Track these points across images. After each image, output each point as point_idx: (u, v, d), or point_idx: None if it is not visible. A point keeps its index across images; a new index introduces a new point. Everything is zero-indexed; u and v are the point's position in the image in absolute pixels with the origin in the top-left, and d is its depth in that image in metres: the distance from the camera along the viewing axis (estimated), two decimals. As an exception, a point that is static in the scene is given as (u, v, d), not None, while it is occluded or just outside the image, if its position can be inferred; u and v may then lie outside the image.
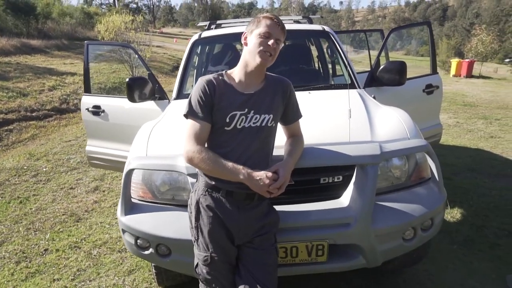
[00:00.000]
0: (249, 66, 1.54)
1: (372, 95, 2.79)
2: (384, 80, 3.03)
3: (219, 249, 1.55)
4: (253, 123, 1.52)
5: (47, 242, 3.14)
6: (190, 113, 1.53)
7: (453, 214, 3.33)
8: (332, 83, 3.52)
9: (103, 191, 4.22)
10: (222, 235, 1.54)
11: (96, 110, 3.40)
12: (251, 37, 1.53)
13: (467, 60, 17.57)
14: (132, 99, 2.91)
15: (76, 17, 27.46)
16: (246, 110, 1.52)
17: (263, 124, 1.54)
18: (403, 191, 1.93)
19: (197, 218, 1.56)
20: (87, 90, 3.55)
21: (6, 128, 7.14)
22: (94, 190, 4.25)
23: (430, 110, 3.61)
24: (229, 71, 1.63)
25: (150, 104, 3.06)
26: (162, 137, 2.11)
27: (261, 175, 1.45)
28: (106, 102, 3.43)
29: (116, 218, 2.21)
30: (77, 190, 4.29)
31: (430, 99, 3.52)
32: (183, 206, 1.86)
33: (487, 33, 20.94)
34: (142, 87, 2.95)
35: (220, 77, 1.57)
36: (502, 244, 2.84)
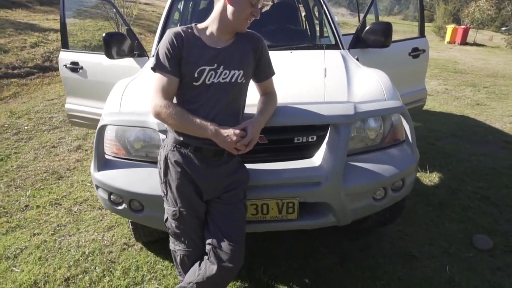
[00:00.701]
0: (228, 26, 1.50)
1: (356, 57, 2.75)
2: (369, 41, 2.97)
3: (187, 204, 1.57)
4: (222, 78, 1.49)
5: (28, 199, 3.15)
6: (157, 67, 1.49)
7: (431, 178, 3.40)
8: (318, 43, 3.45)
9: (86, 150, 4.20)
10: (190, 190, 1.55)
11: (74, 67, 3.31)
12: None
13: (462, 26, 17.31)
14: (109, 56, 2.82)
15: (60, -30, 26.01)
16: (216, 65, 1.48)
17: (233, 80, 1.50)
18: (377, 152, 1.94)
19: (166, 173, 1.56)
20: (65, 45, 3.43)
21: (-14, 85, 6.93)
22: (77, 149, 4.22)
23: (415, 74, 3.58)
24: (199, 25, 1.56)
25: (129, 61, 2.98)
26: (136, 94, 2.07)
27: (229, 131, 1.44)
28: (84, 58, 3.32)
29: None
30: (59, 148, 4.25)
31: (416, 63, 3.48)
32: (156, 163, 1.86)
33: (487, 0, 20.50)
34: (120, 43, 2.85)
35: (189, 30, 1.52)
36: (474, 206, 2.93)
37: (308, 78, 2.19)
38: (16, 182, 3.44)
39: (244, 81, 1.55)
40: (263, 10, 1.56)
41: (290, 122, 1.76)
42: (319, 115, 1.73)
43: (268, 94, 1.69)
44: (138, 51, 2.98)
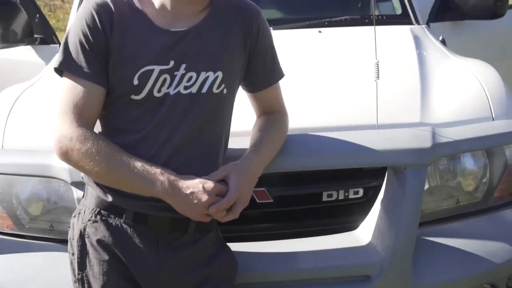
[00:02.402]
0: None
1: (441, 37, 2.81)
2: (465, 9, 3.03)
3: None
4: (185, 87, 1.52)
5: None
6: (66, 67, 1.52)
7: None
8: (373, 13, 3.53)
9: None
10: (127, 297, 1.57)
11: None
12: None
13: None
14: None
15: None
16: (172, 63, 1.51)
17: (204, 90, 1.53)
18: (478, 218, 1.96)
19: (82, 264, 1.57)
20: None
21: None
22: None
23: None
24: None
25: (24, 51, 3.07)
26: (33, 115, 2.13)
27: (194, 185, 1.44)
28: None
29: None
30: None
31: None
32: (66, 241, 1.90)
33: None
34: (9, 21, 2.94)
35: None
36: None
37: (346, 82, 2.25)
38: None
39: (226, 91, 1.58)
40: None
41: (314, 165, 1.79)
42: (367, 151, 1.75)
43: (271, 114, 1.73)
44: (42, 34, 3.08)
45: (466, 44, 2.89)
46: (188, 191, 1.46)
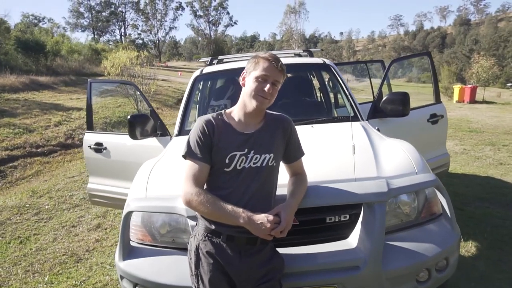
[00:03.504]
0: (247, 108, 1.52)
1: (376, 127, 2.75)
2: (387, 111, 2.99)
3: (221, 299, 1.46)
4: (253, 163, 1.48)
5: (45, 286, 3.03)
6: (188, 154, 1.49)
7: (468, 248, 3.18)
8: (335, 114, 3.50)
9: (105, 229, 4.13)
10: (223, 283, 1.46)
11: (98, 148, 3.39)
12: (249, 78, 1.52)
13: (469, 86, 17.68)
14: (133, 136, 2.90)
15: (84, 53, 28.38)
16: (246, 150, 1.48)
17: (264, 164, 1.49)
18: (414, 229, 1.84)
19: (197, 265, 1.48)
20: (90, 127, 3.56)
21: (10, 164, 7.16)
22: (96, 228, 4.16)
23: (436, 139, 3.55)
24: (228, 110, 1.60)
25: (152, 141, 3.04)
26: (162, 177, 2.06)
27: (262, 218, 1.39)
28: (108, 139, 3.42)
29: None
30: (78, 228, 4.20)
31: (435, 128, 3.47)
32: (183, 249, 1.79)
33: (487, 58, 21.21)
34: (144, 124, 2.94)
35: (219, 117, 1.54)
36: (522, 280, 2.68)
37: (334, 154, 2.17)
38: (34, 267, 3.35)
39: (274, 164, 1.53)
40: (278, 88, 1.54)
41: (322, 202, 1.70)
42: (352, 194, 1.67)
43: (298, 175, 1.66)
44: (161, 131, 3.06)
45: (389, 130, 2.82)
46: (259, 222, 1.39)
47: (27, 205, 4.96)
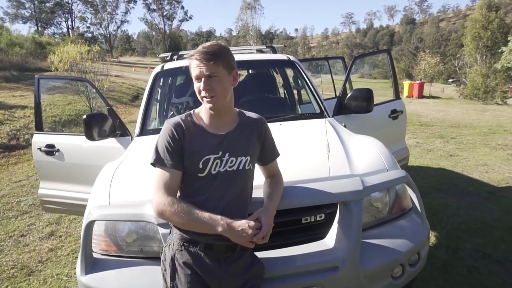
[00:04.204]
0: (208, 110, 1.41)
1: (343, 124, 2.77)
2: (352, 107, 3.03)
3: (199, 311, 1.36)
4: (229, 167, 1.39)
5: (-8, 304, 2.74)
6: (157, 161, 1.38)
7: (427, 238, 3.32)
8: (300, 111, 3.49)
9: (60, 237, 3.84)
10: (202, 294, 1.36)
11: (50, 150, 3.11)
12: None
13: (417, 82, 18.69)
14: (90, 137, 2.68)
15: (27, 47, 26.35)
16: (221, 153, 1.39)
17: (240, 168, 1.41)
18: (387, 225, 1.86)
19: (173, 277, 1.37)
20: (39, 128, 3.26)
21: None
22: (49, 236, 3.85)
23: (397, 134, 3.67)
24: (196, 110, 1.49)
25: (111, 142, 2.84)
26: (126, 181, 1.92)
27: (243, 225, 1.31)
28: (61, 140, 3.15)
29: (75, 268, 1.96)
30: (29, 237, 3.86)
31: (396, 123, 3.58)
32: (152, 258, 1.68)
33: (432, 56, 22.55)
34: (102, 124, 2.74)
35: (189, 118, 1.44)
36: (479, 266, 2.84)
37: (306, 152, 2.14)
38: (-22, 284, 3.02)
39: (251, 167, 1.46)
40: (221, 78, 1.38)
41: (299, 203, 1.65)
42: (328, 194, 1.64)
43: (274, 177, 1.60)
44: (120, 131, 2.87)
45: (354, 126, 2.86)
46: (239, 229, 1.31)
47: (-33, 215, 4.49)
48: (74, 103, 12.30)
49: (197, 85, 1.37)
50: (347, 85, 3.38)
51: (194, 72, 1.37)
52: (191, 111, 1.49)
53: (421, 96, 17.57)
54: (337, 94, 3.38)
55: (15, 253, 3.52)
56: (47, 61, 13.75)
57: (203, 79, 1.35)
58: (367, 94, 2.97)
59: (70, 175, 3.10)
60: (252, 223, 1.32)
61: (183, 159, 1.37)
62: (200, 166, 1.37)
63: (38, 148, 3.16)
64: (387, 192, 1.91)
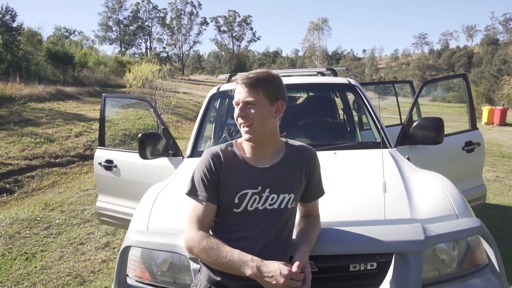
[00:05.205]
0: (246, 140, 1.31)
1: (406, 156, 2.48)
2: (418, 137, 2.72)
3: None
4: (269, 204, 1.25)
5: (44, 310, 2.86)
6: (192, 193, 1.29)
7: (508, 294, 2.82)
8: (360, 139, 3.24)
9: (113, 248, 3.97)
10: None
11: (108, 165, 3.24)
12: None
13: (499, 107, 16.96)
14: (143, 156, 2.73)
15: (110, 65, 29.12)
16: (260, 188, 1.26)
17: (282, 206, 1.26)
18: (454, 283, 1.55)
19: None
20: (101, 143, 3.43)
21: (28, 174, 7.18)
22: (104, 247, 4.00)
23: (471, 170, 3.23)
24: (239, 140, 1.38)
25: (163, 161, 2.87)
26: (168, 206, 1.87)
27: (273, 269, 1.14)
28: (118, 156, 3.27)
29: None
30: (86, 246, 4.05)
31: (471, 157, 3.16)
32: (183, 291, 1.58)
33: (519, 80, 20.44)
34: (155, 143, 2.78)
35: (229, 148, 1.34)
36: None
37: (360, 189, 1.91)
38: (36, 288, 3.20)
39: (294, 205, 1.31)
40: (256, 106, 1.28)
41: (346, 250, 1.45)
42: (381, 243, 1.41)
43: (311, 217, 1.43)
44: (173, 151, 2.89)
45: (419, 159, 2.56)
46: (270, 275, 1.14)
47: (38, 218, 4.88)
48: (144, 118, 13.13)
49: (236, 112, 1.29)
50: (415, 111, 3.09)
51: (235, 97, 1.29)
52: (233, 141, 1.40)
53: (503, 123, 15.84)
54: (403, 121, 3.09)
55: (73, 260, 3.70)
56: (123, 78, 14.98)
57: (239, 107, 1.26)
58: (436, 124, 2.66)
59: (125, 190, 3.19)
60: (285, 270, 1.14)
61: (219, 192, 1.27)
62: (236, 201, 1.25)
63: (98, 163, 3.31)
64: (456, 242, 1.62)
